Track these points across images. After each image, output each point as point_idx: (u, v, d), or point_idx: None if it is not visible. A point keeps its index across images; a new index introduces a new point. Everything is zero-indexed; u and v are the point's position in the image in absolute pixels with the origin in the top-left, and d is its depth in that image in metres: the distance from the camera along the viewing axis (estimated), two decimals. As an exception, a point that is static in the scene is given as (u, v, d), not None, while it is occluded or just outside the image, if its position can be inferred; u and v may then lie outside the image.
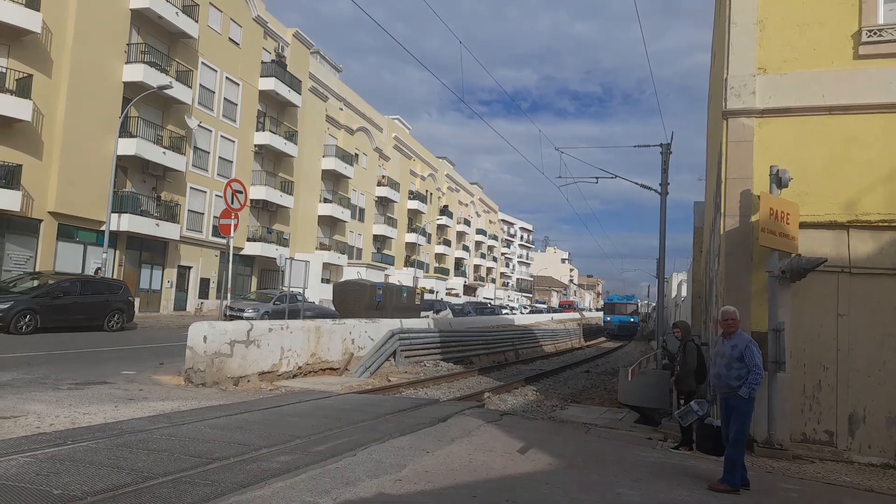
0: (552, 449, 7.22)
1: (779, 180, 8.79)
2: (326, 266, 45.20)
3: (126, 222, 27.04)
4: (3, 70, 22.67)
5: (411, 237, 61.83)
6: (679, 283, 52.14)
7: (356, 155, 50.25)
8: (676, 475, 6.63)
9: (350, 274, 45.77)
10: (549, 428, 8.84)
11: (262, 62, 37.78)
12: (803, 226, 8.97)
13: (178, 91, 29.45)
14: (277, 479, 5.27)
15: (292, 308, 24.36)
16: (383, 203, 56.69)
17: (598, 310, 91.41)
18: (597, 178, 22.98)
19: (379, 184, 55.19)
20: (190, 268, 33.00)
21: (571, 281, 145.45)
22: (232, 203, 13.82)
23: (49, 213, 24.70)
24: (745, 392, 6.09)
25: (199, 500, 4.77)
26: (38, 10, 22.94)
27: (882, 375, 8.70)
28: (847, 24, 9.17)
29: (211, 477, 5.39)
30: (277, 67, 38.24)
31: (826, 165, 9.12)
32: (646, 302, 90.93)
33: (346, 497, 4.85)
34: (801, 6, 9.43)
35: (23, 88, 22.84)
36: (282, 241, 39.30)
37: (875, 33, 8.96)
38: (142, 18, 28.64)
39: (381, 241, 56.49)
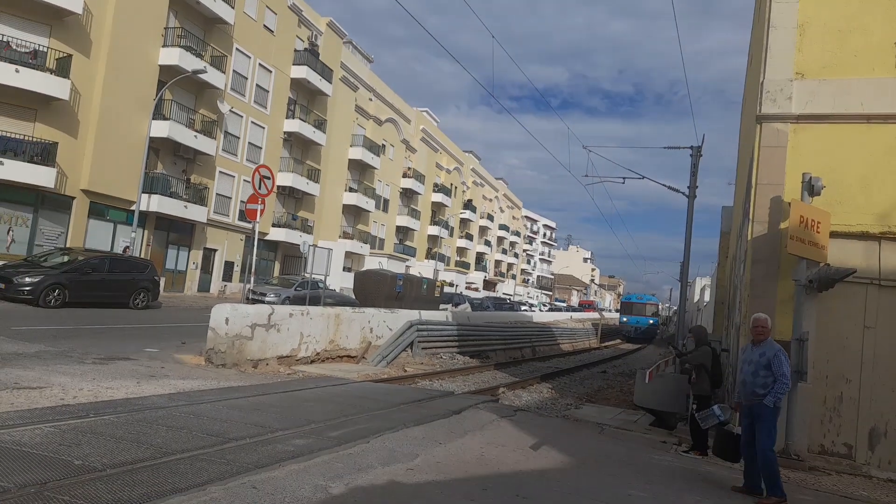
0: (565, 447, 7.21)
1: (811, 188, 8.62)
2: (348, 255, 45.50)
3: (155, 203, 27.51)
4: (45, 49, 23.17)
5: (434, 230, 61.91)
6: (702, 288, 51.45)
7: (383, 146, 50.40)
8: (689, 479, 6.59)
9: (371, 263, 46.03)
10: (563, 426, 8.83)
11: (295, 50, 38.03)
12: (833, 235, 8.79)
13: (212, 76, 29.80)
14: (292, 462, 5.35)
15: (313, 294, 24.59)
16: (408, 195, 56.83)
17: (617, 310, 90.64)
18: (623, 178, 22.78)
19: (404, 175, 55.31)
20: (215, 250, 33.49)
21: (592, 281, 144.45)
22: (259, 188, 13.98)
23: (81, 190, 25.24)
24: (769, 401, 6.04)
25: (215, 478, 4.87)
26: (79, -9, 23.39)
27: (907, 392, 8.50)
28: (890, 33, 8.93)
29: (227, 456, 5.49)
30: (310, 56, 38.46)
31: (862, 175, 8.91)
32: (667, 305, 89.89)
33: (357, 483, 4.91)
34: (844, 12, 9.20)
35: (62, 68, 23.32)
36: (306, 227, 39.65)
37: (919, 41, 8.70)
38: (180, 3, 29.00)
39: (403, 232, 56.67)
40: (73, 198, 25.09)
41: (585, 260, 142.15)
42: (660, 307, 60.04)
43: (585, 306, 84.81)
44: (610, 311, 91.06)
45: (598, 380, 17.52)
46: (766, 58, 9.41)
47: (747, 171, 11.23)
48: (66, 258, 19.09)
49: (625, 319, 50.93)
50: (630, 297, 53.34)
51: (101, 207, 26.44)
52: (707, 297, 42.91)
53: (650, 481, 6.27)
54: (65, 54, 23.52)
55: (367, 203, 47.11)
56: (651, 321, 50.28)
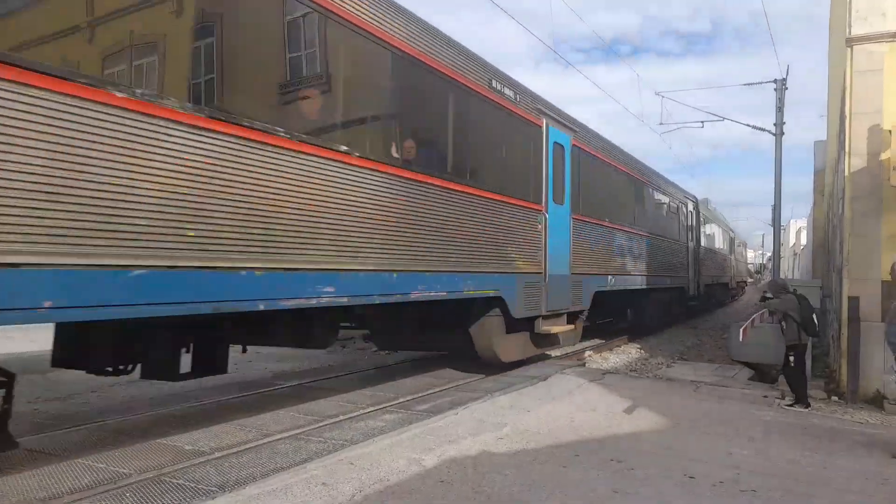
0: (658, 408, 7.02)
1: (914, 112, 7.83)
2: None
3: None
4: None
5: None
6: (798, 231, 48.43)
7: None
8: (794, 434, 6.26)
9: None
10: (655, 387, 8.59)
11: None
12: (943, 163, 7.96)
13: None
14: (383, 437, 5.49)
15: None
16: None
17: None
18: (702, 122, 21.58)
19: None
20: None
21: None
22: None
23: None
24: None
25: (314, 455, 5.10)
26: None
27: None
28: None
29: (324, 434, 5.72)
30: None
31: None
32: (761, 252, 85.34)
33: (450, 454, 4.98)
34: None
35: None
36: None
37: None
38: None
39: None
40: None
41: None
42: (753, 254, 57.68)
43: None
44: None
45: (689, 337, 16.92)
46: (853, -28, 8.54)
47: (840, 101, 10.35)
48: None
49: None
50: None
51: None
52: (804, 241, 40.41)
53: (752, 438, 6.00)
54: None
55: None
56: None
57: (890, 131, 7.96)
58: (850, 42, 8.58)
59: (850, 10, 8.55)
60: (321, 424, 6.29)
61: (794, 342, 7.90)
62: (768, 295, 9.00)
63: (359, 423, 6.43)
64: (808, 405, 7.62)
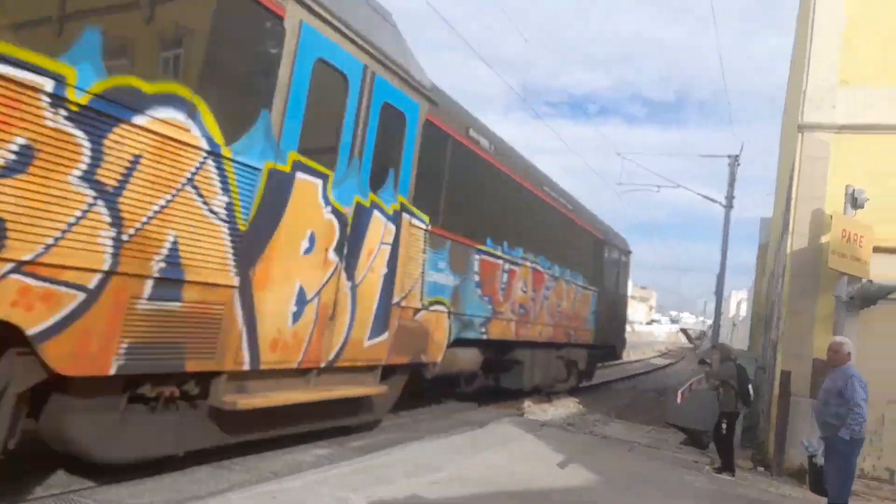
0: (593, 465, 7.00)
1: (854, 200, 8.27)
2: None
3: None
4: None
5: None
6: (738, 302, 50.21)
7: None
8: (721, 502, 6.33)
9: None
10: (591, 443, 8.60)
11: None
12: (877, 250, 8.40)
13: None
14: (311, 472, 5.27)
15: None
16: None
17: (647, 324, 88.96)
18: (658, 186, 22.37)
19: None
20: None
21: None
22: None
23: None
24: (844, 433, 5.46)
25: (236, 485, 4.84)
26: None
27: (957, 416, 8.07)
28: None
29: (249, 463, 5.45)
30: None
31: (909, 187, 8.52)
32: (701, 319, 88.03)
33: (380, 495, 4.81)
34: (891, 19, 8.86)
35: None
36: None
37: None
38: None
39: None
40: None
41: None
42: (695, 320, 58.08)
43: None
44: (641, 323, 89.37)
45: (627, 395, 17.14)
46: (808, 64, 9.09)
47: (787, 182, 10.88)
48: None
49: None
50: None
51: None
52: (743, 312, 41.86)
53: (681, 503, 6.03)
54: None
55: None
56: None
57: (831, 216, 8.37)
58: (802, 128, 9.08)
59: (803, 98, 9.07)
60: (245, 455, 6.00)
61: (731, 410, 8.07)
62: (708, 360, 9.21)
63: (285, 455, 6.17)
64: (733, 473, 7.76)
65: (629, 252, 18.22)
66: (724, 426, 8.14)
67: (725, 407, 8.07)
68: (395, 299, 6.86)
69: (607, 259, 16.19)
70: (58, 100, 3.59)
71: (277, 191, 5.20)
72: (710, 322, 55.87)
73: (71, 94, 3.65)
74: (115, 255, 3.95)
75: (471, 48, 10.32)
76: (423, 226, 7.38)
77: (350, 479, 5.14)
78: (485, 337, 9.35)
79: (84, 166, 3.76)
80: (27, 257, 3.50)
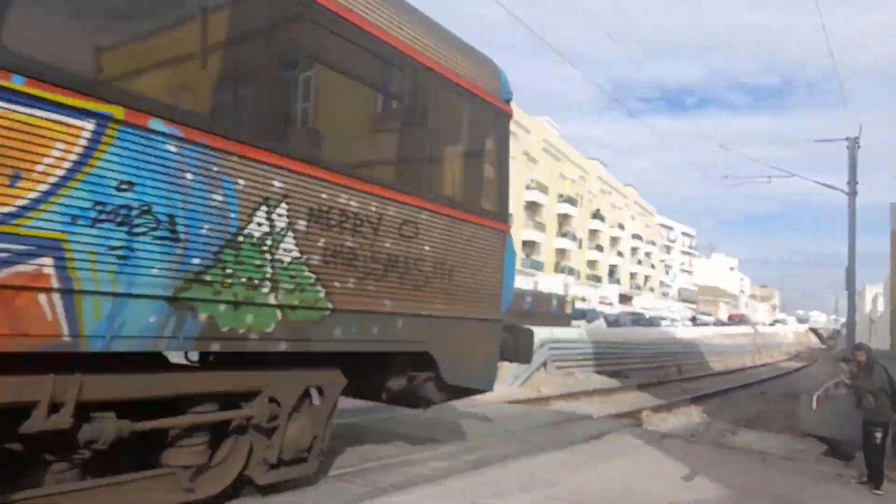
0: (722, 478, 6.55)
1: None
2: (480, 273, 45.58)
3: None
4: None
5: (561, 242, 60.54)
6: (874, 297, 45.62)
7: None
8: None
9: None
10: (717, 455, 8.07)
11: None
12: None
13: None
14: (428, 485, 5.29)
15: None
16: (531, 207, 56.18)
17: (771, 324, 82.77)
18: (769, 177, 20.90)
19: (527, 187, 54.70)
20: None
21: (742, 291, 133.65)
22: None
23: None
24: None
25: (356, 498, 4.95)
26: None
27: None
28: None
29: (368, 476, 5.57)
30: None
31: None
32: (833, 317, 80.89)
33: (495, 510, 4.75)
34: None
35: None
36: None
37: None
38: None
39: (529, 246, 55.93)
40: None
41: (732, 269, 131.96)
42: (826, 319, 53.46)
43: (736, 320, 77.85)
44: (764, 324, 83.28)
45: (756, 403, 15.97)
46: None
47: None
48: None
49: None
50: None
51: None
52: (881, 308, 38.02)
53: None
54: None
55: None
56: None
57: None
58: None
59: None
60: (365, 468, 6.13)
61: (885, 419, 7.29)
62: (850, 359, 8.28)
63: (403, 468, 6.25)
64: (879, 486, 7.01)
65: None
66: (877, 436, 7.32)
67: (879, 416, 7.28)
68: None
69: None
70: None
71: None
72: (843, 320, 51.01)
73: None
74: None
75: (556, 52, 10.10)
76: None
77: (466, 493, 5.11)
78: None
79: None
80: None
